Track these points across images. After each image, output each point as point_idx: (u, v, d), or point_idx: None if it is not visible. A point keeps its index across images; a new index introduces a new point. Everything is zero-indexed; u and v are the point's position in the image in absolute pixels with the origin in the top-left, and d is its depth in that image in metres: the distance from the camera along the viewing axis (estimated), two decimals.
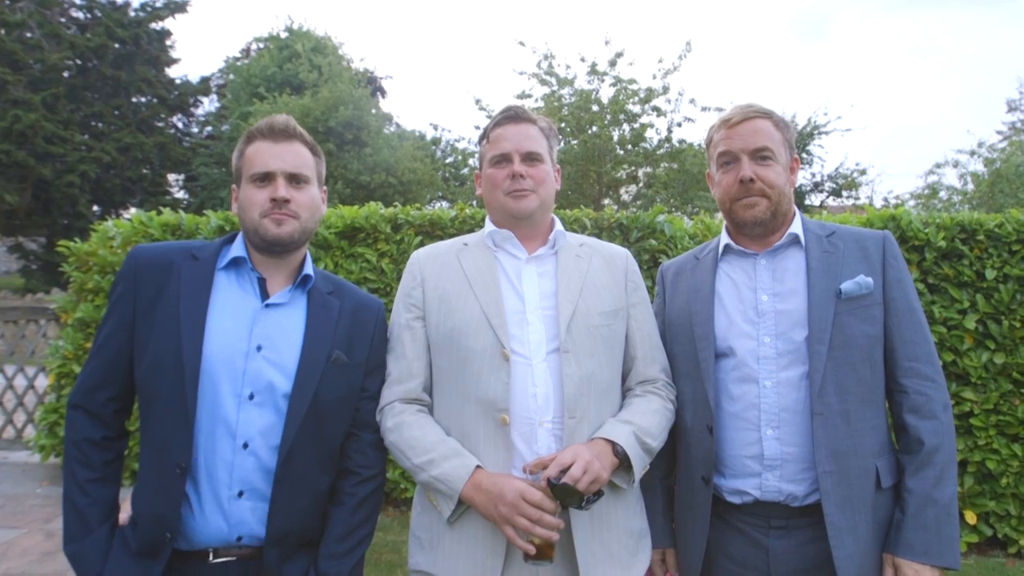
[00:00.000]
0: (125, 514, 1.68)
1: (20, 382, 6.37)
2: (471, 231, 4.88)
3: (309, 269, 1.77)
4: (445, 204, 20.75)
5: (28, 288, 20.85)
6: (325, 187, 1.88)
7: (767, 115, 1.86)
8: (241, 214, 1.72)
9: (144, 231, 5.12)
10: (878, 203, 17.79)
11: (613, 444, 1.66)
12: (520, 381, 1.68)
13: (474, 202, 15.53)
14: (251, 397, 1.59)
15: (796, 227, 1.87)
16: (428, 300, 1.82)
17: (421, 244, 4.82)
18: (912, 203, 17.88)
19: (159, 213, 5.29)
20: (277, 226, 1.66)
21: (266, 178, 1.68)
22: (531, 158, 1.82)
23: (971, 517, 4.17)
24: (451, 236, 4.87)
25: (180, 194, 26.42)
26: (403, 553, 4.08)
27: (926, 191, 17.86)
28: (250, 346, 1.62)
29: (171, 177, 26.21)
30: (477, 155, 2.02)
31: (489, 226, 1.90)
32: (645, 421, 1.75)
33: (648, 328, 1.90)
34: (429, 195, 20.62)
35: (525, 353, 1.70)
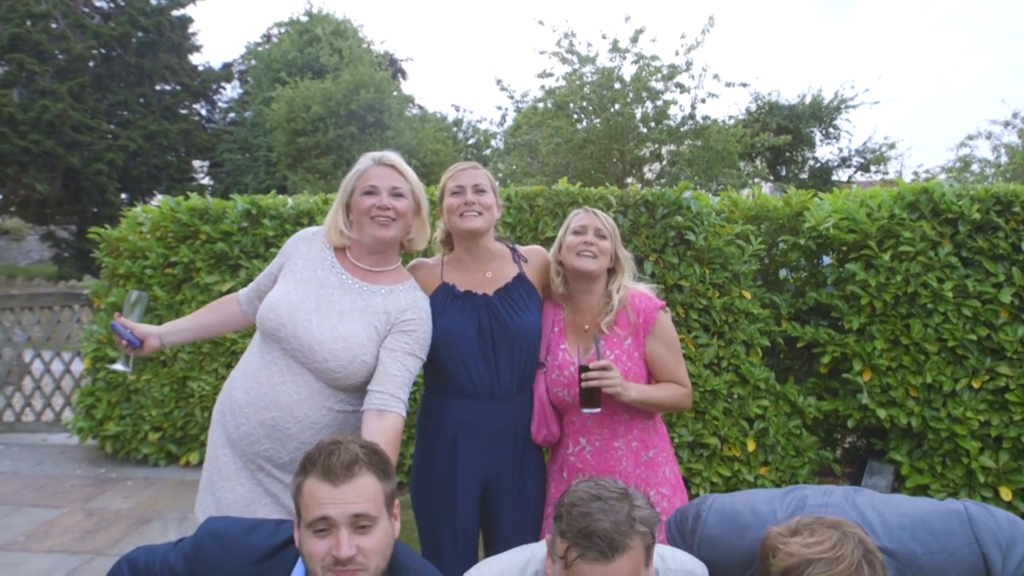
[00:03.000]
0: None
1: (57, 367, 6.52)
2: None
3: None
4: None
5: (61, 275, 21.30)
6: (398, 506, 1.67)
7: None
8: (305, 560, 1.56)
9: (172, 216, 5.19)
10: (908, 177, 17.40)
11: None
12: None
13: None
14: None
15: None
16: None
17: None
18: (943, 176, 17.49)
19: (187, 198, 5.37)
20: None
21: (325, 527, 1.50)
22: None
23: (1006, 493, 4.10)
24: None
25: (205, 180, 26.70)
26: None
27: (958, 164, 17.44)
28: None
29: (196, 163, 26.49)
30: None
31: None
32: None
33: None
34: None
35: None
